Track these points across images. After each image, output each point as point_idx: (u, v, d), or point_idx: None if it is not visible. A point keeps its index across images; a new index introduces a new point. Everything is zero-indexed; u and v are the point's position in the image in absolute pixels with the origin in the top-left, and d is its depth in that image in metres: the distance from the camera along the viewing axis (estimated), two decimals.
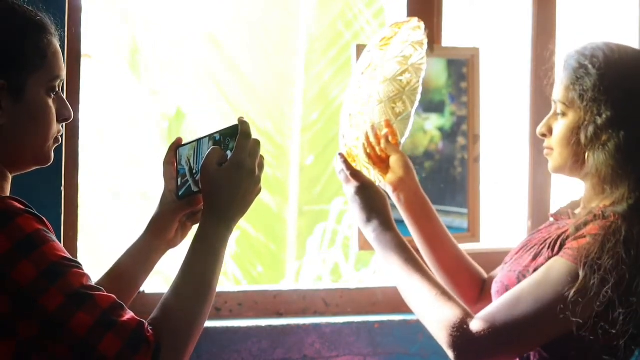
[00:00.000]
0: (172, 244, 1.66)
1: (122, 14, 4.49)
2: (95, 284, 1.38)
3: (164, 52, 4.55)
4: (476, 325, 1.63)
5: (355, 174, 1.83)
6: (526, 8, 2.66)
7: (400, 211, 1.94)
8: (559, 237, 1.71)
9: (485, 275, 2.01)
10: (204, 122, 4.62)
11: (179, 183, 1.60)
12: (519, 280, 1.72)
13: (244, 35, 4.64)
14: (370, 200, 1.80)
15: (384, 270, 2.82)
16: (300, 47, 4.69)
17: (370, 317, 2.44)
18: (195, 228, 1.52)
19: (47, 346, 1.31)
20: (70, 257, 1.35)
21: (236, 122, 1.51)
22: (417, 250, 1.90)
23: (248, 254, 4.64)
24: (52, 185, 2.05)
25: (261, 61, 4.66)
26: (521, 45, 2.70)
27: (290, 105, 4.71)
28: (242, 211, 1.50)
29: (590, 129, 1.70)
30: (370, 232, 1.79)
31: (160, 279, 3.92)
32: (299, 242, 4.70)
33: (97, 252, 4.31)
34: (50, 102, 1.44)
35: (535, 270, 1.69)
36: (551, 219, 1.87)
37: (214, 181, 1.47)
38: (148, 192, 4.50)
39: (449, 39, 2.60)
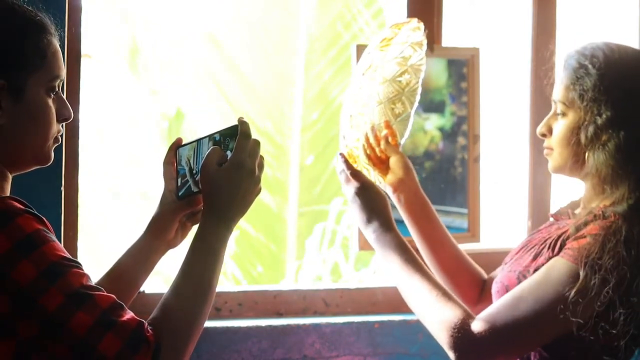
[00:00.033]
0: (172, 244, 1.66)
1: (122, 14, 4.49)
2: (96, 284, 1.38)
3: (164, 52, 4.55)
4: (477, 325, 1.63)
5: (356, 174, 1.83)
6: (526, 8, 2.66)
7: (400, 212, 1.94)
8: (559, 237, 1.71)
9: (485, 275, 2.01)
10: (204, 122, 4.62)
11: (179, 183, 1.60)
12: (519, 281, 1.72)
13: (244, 35, 4.64)
14: (371, 201, 1.80)
15: (384, 270, 2.82)
16: (300, 47, 4.69)
17: (370, 317, 2.44)
18: (195, 228, 1.52)
19: (47, 346, 1.31)
20: (70, 257, 1.35)
21: (236, 123, 1.51)
22: (417, 251, 1.90)
23: (248, 254, 4.64)
24: (52, 185, 2.05)
25: (261, 61, 4.66)
26: (521, 45, 2.70)
27: (290, 105, 4.72)
28: (242, 211, 1.50)
29: (590, 129, 1.70)
30: (371, 232, 1.79)
31: (160, 279, 3.92)
32: (299, 242, 4.70)
33: (97, 252, 4.31)
34: (50, 102, 1.44)
35: (535, 270, 1.69)
36: (551, 219, 1.87)
37: (213, 181, 1.47)
38: (148, 192, 4.50)
39: (449, 39, 2.60)
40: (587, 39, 1.79)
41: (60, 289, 1.30)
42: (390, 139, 1.92)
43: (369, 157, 1.92)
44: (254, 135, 1.51)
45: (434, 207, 1.98)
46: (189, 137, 1.67)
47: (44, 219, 1.37)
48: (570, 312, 1.59)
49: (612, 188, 1.69)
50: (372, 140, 1.92)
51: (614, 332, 1.63)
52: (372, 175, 1.93)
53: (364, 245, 2.28)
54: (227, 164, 1.48)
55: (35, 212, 1.36)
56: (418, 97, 1.90)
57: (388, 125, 1.91)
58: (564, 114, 1.76)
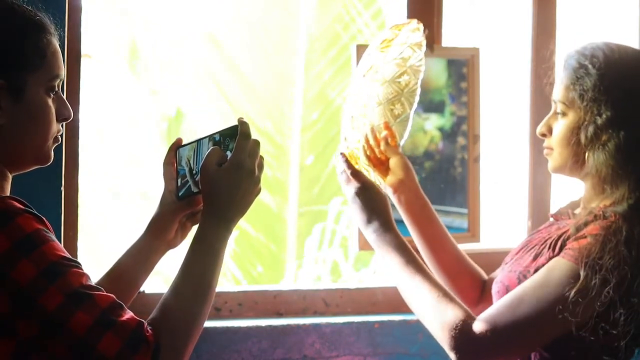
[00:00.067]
0: (172, 244, 1.66)
1: (122, 14, 4.49)
2: (96, 284, 1.38)
3: (164, 52, 4.55)
4: (478, 326, 1.63)
5: (357, 174, 1.83)
6: (526, 8, 2.66)
7: (400, 213, 1.94)
8: (559, 237, 1.71)
9: (485, 276, 2.00)
10: (203, 122, 4.62)
11: (179, 183, 1.60)
12: (519, 281, 1.72)
13: (244, 35, 4.64)
14: (371, 201, 1.80)
15: (384, 270, 2.82)
16: (300, 47, 4.69)
17: (370, 317, 2.44)
18: (195, 228, 1.52)
19: (47, 346, 1.31)
20: (70, 257, 1.35)
21: (236, 123, 1.51)
22: (417, 251, 1.90)
23: (248, 254, 4.64)
24: (52, 185, 2.05)
25: (261, 61, 4.66)
26: (521, 45, 2.70)
27: (290, 105, 4.71)
28: (242, 211, 1.50)
29: (590, 128, 1.70)
30: (371, 233, 1.79)
31: (160, 279, 3.92)
32: (299, 242, 4.70)
33: (97, 252, 4.31)
34: (50, 101, 1.44)
35: (536, 270, 1.69)
36: (551, 219, 1.87)
37: (213, 181, 1.47)
38: (148, 192, 4.50)
39: (449, 39, 2.60)
40: (587, 39, 1.79)
41: (59, 289, 1.30)
42: (389, 140, 1.92)
43: (368, 158, 1.92)
44: (254, 135, 1.51)
45: (434, 208, 1.98)
46: (189, 137, 1.67)
47: (43, 218, 1.37)
48: (570, 312, 1.59)
49: (612, 188, 1.69)
50: (371, 142, 1.92)
51: (615, 332, 1.63)
52: (372, 176, 1.93)
53: (364, 245, 2.28)
54: (226, 164, 1.48)
55: (35, 212, 1.37)
56: (417, 98, 1.90)
57: (387, 127, 1.91)
58: (564, 114, 1.76)
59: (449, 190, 2.49)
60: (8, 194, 1.44)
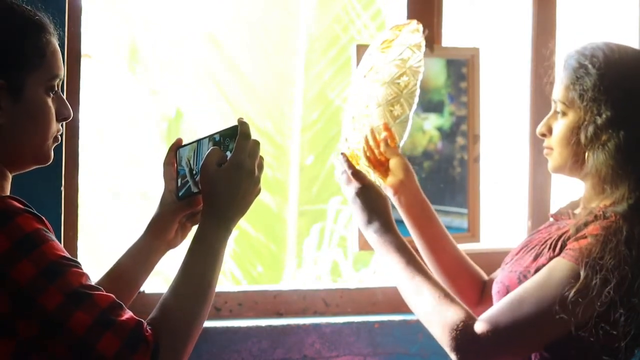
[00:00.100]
0: (172, 244, 1.67)
1: (122, 14, 4.49)
2: (96, 284, 1.38)
3: (164, 52, 4.55)
4: (479, 327, 1.63)
5: (357, 174, 1.83)
6: (526, 8, 2.66)
7: (401, 214, 1.94)
8: (559, 237, 1.71)
9: (485, 277, 2.00)
10: (204, 122, 4.62)
11: (179, 184, 1.60)
12: (519, 281, 1.72)
13: (244, 35, 4.64)
14: (372, 202, 1.80)
15: (384, 271, 2.82)
16: (300, 47, 4.69)
17: (370, 317, 2.44)
18: (195, 228, 1.52)
19: (47, 346, 1.31)
20: (69, 257, 1.35)
21: (236, 123, 1.51)
22: (417, 252, 1.90)
23: (248, 254, 4.64)
24: (52, 185, 2.05)
25: (261, 61, 4.66)
26: (521, 45, 2.70)
27: (290, 105, 4.71)
28: (242, 212, 1.50)
29: (590, 128, 1.70)
30: (371, 233, 1.79)
31: (160, 279, 3.92)
32: (299, 243, 4.70)
33: (97, 252, 4.31)
34: (50, 101, 1.44)
35: (536, 270, 1.69)
36: (551, 219, 1.87)
37: (213, 182, 1.47)
38: (148, 192, 4.50)
39: (449, 39, 2.60)
40: (587, 39, 1.79)
41: (59, 288, 1.30)
42: (389, 141, 1.91)
43: (368, 159, 1.92)
44: (254, 135, 1.51)
45: (433, 208, 1.98)
46: (189, 137, 1.67)
47: (43, 218, 1.37)
48: (571, 313, 1.59)
49: (612, 188, 1.69)
50: (371, 143, 1.92)
51: (615, 332, 1.63)
52: (373, 177, 1.93)
53: (364, 245, 2.28)
54: (226, 164, 1.48)
55: (35, 212, 1.37)
56: (416, 99, 1.90)
57: (387, 128, 1.91)
58: (563, 114, 1.76)
59: (448, 190, 2.49)
60: (8, 193, 1.44)
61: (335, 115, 4.69)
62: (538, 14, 2.63)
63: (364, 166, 1.93)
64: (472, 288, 1.98)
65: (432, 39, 2.45)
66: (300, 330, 2.33)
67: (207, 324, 2.23)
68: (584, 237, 1.65)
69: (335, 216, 4.55)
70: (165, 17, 4.50)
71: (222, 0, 4.56)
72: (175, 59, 4.55)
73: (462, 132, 2.50)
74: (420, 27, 1.90)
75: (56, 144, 1.48)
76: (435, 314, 1.66)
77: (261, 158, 1.52)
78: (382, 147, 1.91)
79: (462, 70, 2.49)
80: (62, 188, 2.09)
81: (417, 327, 2.35)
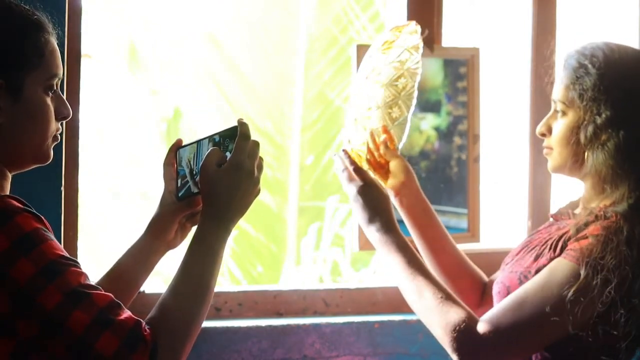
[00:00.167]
0: (172, 244, 1.67)
1: (122, 14, 4.49)
2: (96, 284, 1.38)
3: (164, 52, 4.55)
4: (481, 328, 1.62)
5: (359, 171, 1.82)
6: (526, 8, 2.66)
7: (402, 215, 1.94)
8: (560, 237, 1.71)
9: (486, 278, 2.00)
10: (204, 122, 4.62)
11: (179, 184, 1.60)
12: (520, 281, 1.72)
13: (244, 35, 4.64)
14: (373, 200, 1.79)
15: (385, 270, 2.82)
16: (300, 47, 4.69)
17: (370, 317, 2.43)
18: (194, 229, 1.52)
19: (46, 346, 1.31)
20: (68, 256, 1.35)
21: (235, 124, 1.51)
22: (418, 253, 1.90)
23: (248, 254, 4.64)
24: (52, 185, 2.05)
25: (261, 61, 4.66)
26: (521, 45, 2.70)
27: (290, 105, 4.71)
28: (241, 212, 1.50)
29: (590, 128, 1.70)
30: (373, 232, 1.78)
31: (160, 279, 3.92)
32: (299, 242, 4.70)
33: (97, 252, 4.31)
34: (49, 100, 1.44)
35: (537, 271, 1.69)
36: (551, 219, 1.87)
37: (212, 182, 1.47)
38: (148, 192, 4.50)
39: (449, 39, 2.60)
40: (587, 39, 1.79)
41: (58, 287, 1.30)
42: (388, 143, 1.91)
43: (369, 162, 1.92)
44: (254, 136, 1.51)
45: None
46: (189, 137, 1.67)
47: (42, 218, 1.37)
48: (572, 313, 1.59)
49: (612, 188, 1.69)
50: (371, 146, 1.92)
51: (615, 333, 1.63)
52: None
53: (365, 245, 2.28)
54: (226, 165, 1.48)
55: (34, 211, 1.37)
56: (414, 101, 1.90)
57: (386, 130, 1.91)
58: (563, 114, 1.76)
59: (445, 190, 2.49)
60: (8, 193, 1.44)
61: (335, 115, 4.69)
62: (538, 13, 2.63)
63: (365, 168, 1.93)
64: (473, 289, 1.98)
65: (432, 39, 2.45)
66: (300, 330, 2.33)
67: (207, 324, 2.23)
68: (585, 237, 1.65)
69: (332, 214, 4.55)
70: (165, 17, 4.50)
71: (222, 0, 4.56)
72: (175, 59, 4.55)
73: (459, 132, 2.50)
74: (419, 28, 1.90)
75: (56, 143, 1.48)
76: (437, 314, 1.66)
77: (261, 159, 1.52)
78: (382, 150, 1.91)
79: (459, 70, 2.49)
80: (62, 188, 2.09)
81: (417, 327, 2.35)
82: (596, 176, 1.72)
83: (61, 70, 1.47)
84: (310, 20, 4.69)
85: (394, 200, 1.92)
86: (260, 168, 1.51)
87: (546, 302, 1.61)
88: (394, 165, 1.92)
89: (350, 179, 1.82)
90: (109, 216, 4.51)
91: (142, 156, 4.64)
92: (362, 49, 2.24)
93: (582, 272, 1.61)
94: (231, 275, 4.55)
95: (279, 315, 2.40)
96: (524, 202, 2.66)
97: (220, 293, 2.36)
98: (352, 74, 2.29)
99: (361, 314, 2.46)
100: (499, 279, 1.81)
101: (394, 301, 2.44)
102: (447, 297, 1.67)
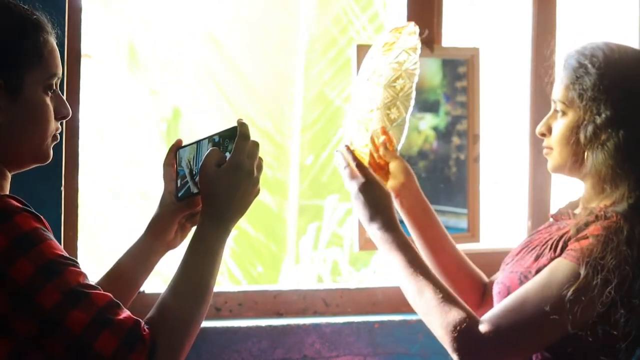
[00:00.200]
0: (172, 245, 1.67)
1: (122, 14, 4.49)
2: (96, 284, 1.38)
3: (164, 52, 4.55)
4: (481, 328, 1.62)
5: (361, 167, 1.82)
6: (526, 8, 2.65)
7: (402, 216, 1.94)
8: (560, 237, 1.71)
9: (486, 279, 2.00)
10: (204, 122, 4.62)
11: (179, 184, 1.60)
12: (520, 282, 1.72)
13: (244, 35, 4.64)
14: (375, 198, 1.79)
15: (387, 269, 2.82)
16: (300, 47, 4.69)
17: (370, 317, 2.43)
18: (194, 229, 1.52)
19: (45, 345, 1.31)
20: (67, 256, 1.35)
21: (235, 124, 1.51)
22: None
23: (248, 254, 4.64)
24: (52, 185, 2.05)
25: (261, 61, 4.66)
26: (521, 45, 2.70)
27: (290, 105, 4.71)
28: (241, 212, 1.50)
29: (590, 128, 1.70)
30: (374, 230, 1.78)
31: (160, 279, 3.92)
32: (299, 242, 4.70)
33: (97, 252, 4.31)
34: (48, 100, 1.45)
35: (537, 271, 1.69)
36: (551, 220, 1.87)
37: (212, 182, 1.47)
38: (148, 192, 4.50)
39: (449, 39, 2.60)
40: (587, 39, 1.79)
41: (57, 287, 1.30)
42: (387, 145, 1.91)
43: (369, 164, 1.92)
44: (253, 136, 1.51)
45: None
46: (189, 137, 1.67)
47: (41, 217, 1.37)
48: (573, 313, 1.59)
49: (612, 187, 1.69)
50: (370, 147, 1.92)
51: (615, 333, 1.63)
52: None
53: (365, 245, 2.28)
54: (225, 165, 1.48)
55: (33, 211, 1.37)
56: (412, 102, 1.90)
57: (384, 131, 1.91)
58: (563, 114, 1.76)
59: (444, 190, 2.49)
60: (7, 192, 1.44)
61: (335, 115, 4.69)
62: (538, 14, 2.63)
63: None
64: (473, 290, 1.98)
65: (432, 39, 2.45)
66: (300, 330, 2.33)
67: (207, 324, 2.23)
68: (585, 237, 1.65)
69: (331, 213, 4.55)
70: (165, 17, 4.50)
71: (222, 0, 4.56)
72: (175, 59, 4.55)
73: (457, 132, 2.50)
74: (417, 29, 1.90)
75: (55, 142, 1.48)
76: (437, 314, 1.66)
77: (260, 159, 1.52)
78: (382, 151, 1.91)
79: (458, 69, 2.49)
80: (62, 188, 2.09)
81: (417, 327, 2.35)
82: (596, 176, 1.72)
83: (60, 69, 1.48)
84: (310, 21, 4.69)
85: (394, 202, 1.92)
86: (259, 168, 1.51)
87: (546, 302, 1.61)
88: (393, 166, 1.92)
89: (352, 176, 1.81)
90: (109, 216, 4.51)
91: (142, 156, 4.64)
92: (362, 49, 2.24)
93: (582, 272, 1.61)
94: (231, 275, 4.55)
95: (279, 315, 2.40)
96: (524, 202, 2.66)
97: (220, 293, 2.36)
98: (352, 74, 2.29)
99: (361, 314, 2.46)
100: (499, 279, 1.81)
101: (394, 301, 2.45)
102: (448, 297, 1.67)
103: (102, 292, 1.34)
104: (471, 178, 2.50)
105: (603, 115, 1.69)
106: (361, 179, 1.80)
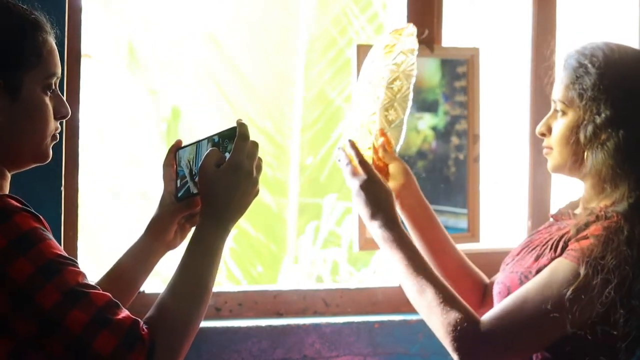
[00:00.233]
0: (171, 245, 1.67)
1: (122, 14, 4.49)
2: (95, 284, 1.38)
3: (164, 52, 4.55)
4: (482, 328, 1.62)
5: (364, 163, 1.82)
6: (526, 8, 2.65)
7: (402, 218, 1.94)
8: (561, 237, 1.71)
9: (486, 280, 2.00)
10: (204, 122, 4.62)
11: (178, 185, 1.61)
12: (520, 282, 1.72)
13: (244, 35, 4.63)
14: (376, 196, 1.79)
15: (388, 267, 2.82)
16: (300, 47, 4.69)
17: (370, 317, 2.43)
18: (194, 229, 1.52)
19: (44, 345, 1.31)
20: (67, 255, 1.35)
21: (235, 124, 1.51)
22: None
23: (248, 254, 4.64)
24: (52, 185, 2.05)
25: (261, 61, 4.66)
26: (521, 45, 2.70)
27: (290, 105, 4.71)
28: (240, 212, 1.50)
29: (590, 128, 1.70)
30: (375, 228, 1.78)
31: (160, 279, 3.92)
32: (298, 242, 4.70)
33: (97, 252, 4.31)
34: (47, 99, 1.45)
35: (538, 271, 1.69)
36: (551, 220, 1.87)
37: (211, 183, 1.47)
38: (148, 193, 4.49)
39: (449, 39, 2.60)
40: (587, 39, 1.79)
41: (56, 286, 1.30)
42: (386, 147, 1.91)
43: None
44: (253, 136, 1.51)
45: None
46: (189, 137, 1.67)
47: (40, 217, 1.37)
48: (573, 313, 1.59)
49: (612, 187, 1.69)
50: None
51: (615, 333, 1.63)
52: None
53: (364, 245, 2.28)
54: (224, 165, 1.48)
55: (32, 211, 1.37)
56: (410, 104, 1.91)
57: (383, 133, 1.90)
58: (563, 113, 1.76)
59: (443, 190, 2.49)
60: (7, 192, 1.44)
61: (335, 115, 4.69)
62: (538, 14, 2.63)
63: None
64: (473, 291, 1.98)
65: (432, 39, 2.45)
66: (300, 330, 2.33)
67: (207, 324, 2.24)
68: (586, 237, 1.65)
69: (330, 212, 4.55)
70: (165, 17, 4.50)
71: (222, 0, 4.56)
72: (175, 59, 4.55)
73: (456, 132, 2.49)
74: (415, 30, 1.90)
75: (55, 142, 1.48)
76: (438, 313, 1.66)
77: (259, 159, 1.52)
78: (381, 153, 1.91)
79: (457, 69, 2.49)
80: (62, 188, 2.09)
81: (417, 327, 2.35)
82: (596, 176, 1.72)
83: (59, 69, 1.48)
84: (310, 21, 4.69)
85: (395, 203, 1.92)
86: (259, 168, 1.51)
87: (547, 302, 1.61)
88: (393, 168, 1.92)
89: (354, 174, 1.81)
90: (109, 216, 4.51)
91: (142, 156, 4.64)
92: (362, 49, 2.24)
93: (582, 271, 1.61)
94: (231, 275, 4.55)
95: (279, 315, 2.40)
96: (524, 202, 2.66)
97: (220, 293, 2.36)
98: (352, 74, 2.29)
99: (361, 314, 2.46)
100: (500, 279, 1.81)
101: (394, 301, 2.45)
102: (449, 296, 1.67)
103: (101, 291, 1.34)
104: (471, 178, 2.50)
105: (603, 115, 1.69)
106: (363, 176, 1.80)
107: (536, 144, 2.55)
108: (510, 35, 3.12)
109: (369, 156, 1.91)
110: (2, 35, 1.41)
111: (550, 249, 1.71)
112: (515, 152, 2.94)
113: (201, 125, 4.58)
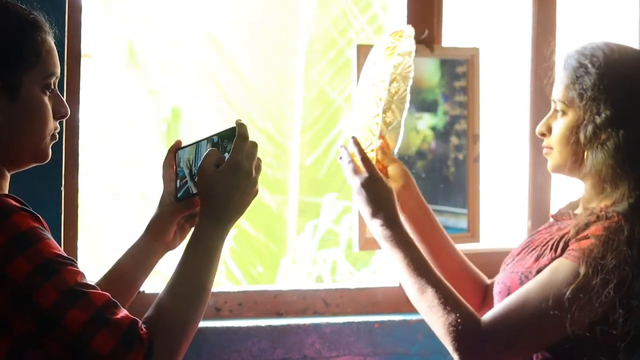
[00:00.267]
0: (171, 245, 1.67)
1: (122, 14, 4.49)
2: (95, 284, 1.38)
3: (164, 52, 4.55)
4: (482, 328, 1.62)
5: (366, 161, 1.82)
6: (526, 8, 2.65)
7: (402, 219, 1.93)
8: (561, 238, 1.71)
9: (487, 281, 2.00)
10: (204, 122, 4.62)
11: (178, 185, 1.61)
12: (521, 282, 1.72)
13: (244, 36, 4.64)
14: (377, 195, 1.79)
15: (389, 266, 2.82)
16: (300, 47, 4.69)
17: (370, 317, 2.43)
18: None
19: (42, 344, 1.31)
20: (65, 255, 1.35)
21: (234, 125, 1.51)
22: None
23: (248, 254, 4.64)
24: (51, 185, 2.05)
25: (261, 61, 4.66)
26: (521, 45, 2.70)
27: (290, 105, 4.71)
28: (239, 213, 1.50)
29: (590, 128, 1.70)
30: (376, 227, 1.78)
31: (160, 279, 3.92)
32: (296, 240, 4.70)
33: (97, 252, 4.31)
34: (46, 99, 1.45)
35: (538, 271, 1.69)
36: (551, 220, 1.87)
37: (210, 183, 1.47)
38: (148, 193, 4.49)
39: (449, 39, 2.60)
40: (587, 39, 1.79)
41: (54, 286, 1.30)
42: (385, 149, 1.91)
43: None
44: (253, 136, 1.51)
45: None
46: (189, 137, 1.67)
47: (39, 217, 1.38)
48: (573, 313, 1.59)
49: (612, 187, 1.69)
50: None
51: (614, 332, 1.63)
52: None
53: (364, 245, 2.28)
54: (224, 165, 1.48)
55: (31, 210, 1.37)
56: (407, 105, 1.90)
57: (381, 135, 1.90)
58: (563, 113, 1.76)
59: (442, 190, 2.49)
60: (6, 192, 1.44)
61: (335, 115, 4.69)
62: (538, 14, 2.63)
63: None
64: (474, 292, 1.98)
65: (432, 39, 2.45)
66: (300, 330, 2.33)
67: (207, 324, 2.23)
68: (587, 237, 1.65)
69: (328, 211, 4.55)
70: (165, 18, 4.50)
71: (222, 0, 4.56)
72: (175, 59, 4.55)
73: (456, 132, 2.49)
74: (413, 32, 1.90)
75: (54, 141, 1.48)
76: (438, 313, 1.66)
77: (259, 159, 1.52)
78: (379, 155, 1.91)
79: (456, 69, 2.49)
80: (62, 188, 2.09)
81: (417, 327, 2.35)
82: (596, 176, 1.72)
83: (59, 69, 1.48)
84: (310, 21, 4.69)
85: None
86: (258, 169, 1.51)
87: (547, 302, 1.61)
88: (392, 170, 1.92)
89: (355, 172, 1.81)
90: (109, 216, 4.51)
91: (142, 156, 4.64)
92: (362, 49, 2.24)
93: (582, 271, 1.61)
94: (231, 275, 4.55)
95: (279, 315, 2.40)
96: (524, 202, 2.66)
97: (220, 293, 2.36)
98: (352, 74, 2.29)
99: (361, 314, 2.46)
100: (500, 279, 1.81)
101: (394, 301, 2.45)
102: (449, 296, 1.67)
103: (100, 291, 1.34)
104: (471, 178, 2.50)
105: (603, 115, 1.69)
106: (364, 175, 1.80)
107: (536, 144, 2.55)
108: (510, 35, 3.12)
109: (372, 157, 1.91)
110: (1, 35, 1.41)
111: (551, 249, 1.71)
112: (515, 152, 2.95)
113: (201, 125, 4.58)
